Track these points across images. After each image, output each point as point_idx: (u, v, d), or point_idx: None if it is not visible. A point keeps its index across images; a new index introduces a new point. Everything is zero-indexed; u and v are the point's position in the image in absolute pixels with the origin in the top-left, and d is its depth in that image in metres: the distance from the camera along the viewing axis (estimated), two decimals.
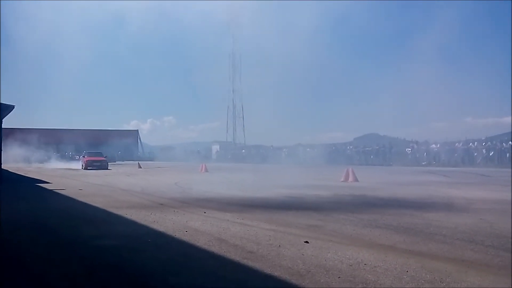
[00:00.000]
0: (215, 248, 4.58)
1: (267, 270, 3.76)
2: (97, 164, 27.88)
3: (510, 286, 3.36)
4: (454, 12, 63.86)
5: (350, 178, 14.64)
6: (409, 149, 33.23)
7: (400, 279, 3.48)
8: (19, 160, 41.62)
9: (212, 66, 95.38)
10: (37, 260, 4.29)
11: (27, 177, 19.53)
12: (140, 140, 52.99)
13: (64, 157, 47.88)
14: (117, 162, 41.73)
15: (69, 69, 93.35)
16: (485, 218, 6.63)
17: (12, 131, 33.67)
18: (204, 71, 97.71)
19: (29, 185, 14.69)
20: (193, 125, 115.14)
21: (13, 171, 23.67)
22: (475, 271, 3.71)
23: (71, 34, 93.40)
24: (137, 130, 56.49)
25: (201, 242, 4.89)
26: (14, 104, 17.46)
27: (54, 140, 49.89)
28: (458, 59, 72.78)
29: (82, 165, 28.12)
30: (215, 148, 55.36)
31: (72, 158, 48.00)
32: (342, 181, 14.63)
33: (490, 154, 28.24)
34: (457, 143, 30.47)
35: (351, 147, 39.13)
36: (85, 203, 8.80)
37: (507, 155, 26.94)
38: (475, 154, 28.84)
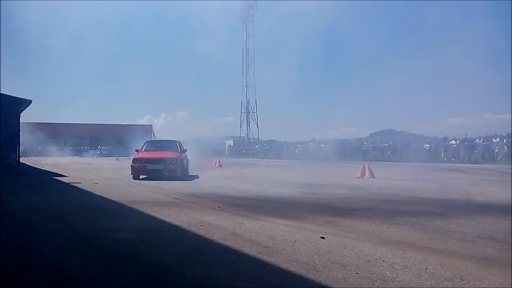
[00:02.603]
0: (230, 243, 4.57)
1: (283, 265, 3.73)
2: (152, 167, 14.01)
3: None
4: (474, 3, 62.32)
5: (367, 174, 14.43)
6: (427, 145, 32.63)
7: (419, 276, 3.41)
8: (36, 154, 42.55)
9: (225, 61, 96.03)
10: (55, 251, 4.35)
11: (44, 170, 19.91)
12: (154, 135, 53.40)
13: (79, 151, 48.82)
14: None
15: (85, 64, 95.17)
16: (507, 216, 6.45)
17: (29, 125, 34.25)
18: (217, 66, 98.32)
19: (46, 178, 14.97)
20: (206, 121, 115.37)
21: (30, 165, 24.19)
22: (496, 269, 3.61)
23: (87, 30, 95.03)
24: (151, 125, 56.94)
25: (216, 236, 4.89)
26: (31, 99, 17.82)
27: (69, 134, 50.69)
28: (476, 53, 70.98)
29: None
30: (229, 143, 55.50)
31: (87, 152, 49.01)
32: (358, 177, 14.45)
33: None
34: (477, 139, 29.77)
35: (367, 143, 38.63)
36: (101, 197, 8.91)
37: None
38: (496, 150, 28.13)
